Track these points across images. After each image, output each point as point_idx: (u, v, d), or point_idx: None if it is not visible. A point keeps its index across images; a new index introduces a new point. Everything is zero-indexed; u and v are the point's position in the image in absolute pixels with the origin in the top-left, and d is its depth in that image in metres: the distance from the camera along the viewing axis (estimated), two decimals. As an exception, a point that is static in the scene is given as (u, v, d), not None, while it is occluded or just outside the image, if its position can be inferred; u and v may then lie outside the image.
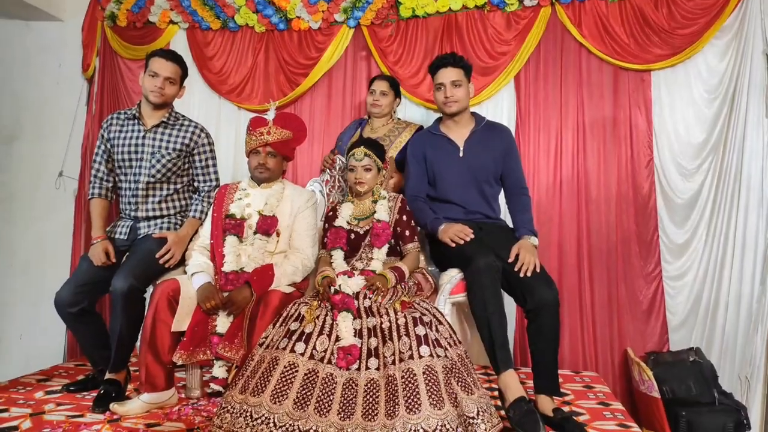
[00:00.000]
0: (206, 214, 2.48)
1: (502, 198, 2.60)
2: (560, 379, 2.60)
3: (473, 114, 2.59)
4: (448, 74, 2.43)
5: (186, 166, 2.53)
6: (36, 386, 2.45)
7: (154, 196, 2.47)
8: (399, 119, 3.01)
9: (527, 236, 2.28)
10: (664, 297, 3.06)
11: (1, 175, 3.73)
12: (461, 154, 2.48)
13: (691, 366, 2.75)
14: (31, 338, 3.63)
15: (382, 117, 2.90)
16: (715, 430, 2.56)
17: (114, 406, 2.09)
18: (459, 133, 2.51)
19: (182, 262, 2.39)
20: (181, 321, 2.14)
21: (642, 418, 2.81)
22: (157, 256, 2.31)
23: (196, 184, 2.57)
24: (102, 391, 2.20)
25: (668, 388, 2.69)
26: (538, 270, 2.14)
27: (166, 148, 2.45)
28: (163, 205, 2.49)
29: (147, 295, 2.31)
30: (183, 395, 2.28)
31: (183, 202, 2.55)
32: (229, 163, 3.56)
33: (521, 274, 2.12)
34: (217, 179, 2.59)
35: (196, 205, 2.51)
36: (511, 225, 2.47)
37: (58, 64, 3.72)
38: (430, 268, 2.53)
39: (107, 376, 2.29)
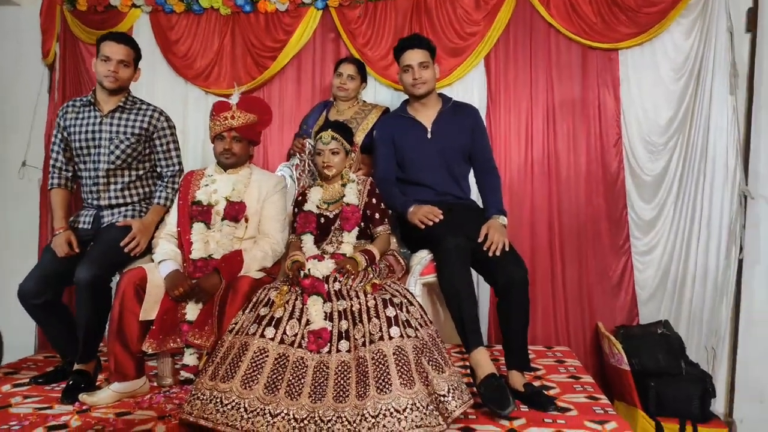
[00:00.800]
0: (171, 200, 2.44)
1: (472, 178, 2.61)
2: (532, 355, 2.67)
3: (440, 95, 2.59)
4: (415, 56, 2.41)
5: (147, 151, 2.47)
6: (3, 379, 2.41)
7: (115, 183, 2.41)
8: (364, 102, 2.98)
9: (496, 216, 2.30)
10: (633, 272, 3.13)
11: (-34, 165, 3.61)
12: (429, 136, 2.47)
13: (659, 338, 2.82)
14: (6, 331, 3.54)
15: (348, 101, 2.88)
16: (683, 398, 2.64)
17: (83, 397, 2.06)
18: (426, 115, 2.50)
19: (148, 251, 2.35)
20: (149, 310, 2.11)
21: (613, 390, 2.89)
22: (121, 244, 2.26)
23: (158, 169, 2.52)
24: (71, 382, 2.17)
25: (637, 360, 2.75)
26: (507, 249, 2.16)
27: (124, 134, 2.39)
28: (126, 193, 2.43)
29: (113, 285, 2.27)
30: (155, 383, 2.26)
31: (147, 189, 2.50)
32: (198, 150, 3.50)
33: (490, 254, 2.13)
34: (179, 163, 2.54)
35: (160, 191, 2.46)
36: (481, 205, 2.49)
37: (17, 48, 3.58)
38: (402, 250, 2.53)
39: (76, 366, 2.25)
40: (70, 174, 2.47)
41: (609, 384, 2.94)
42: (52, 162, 2.45)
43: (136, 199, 2.46)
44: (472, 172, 2.58)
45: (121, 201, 2.42)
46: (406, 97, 3.16)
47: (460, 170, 2.50)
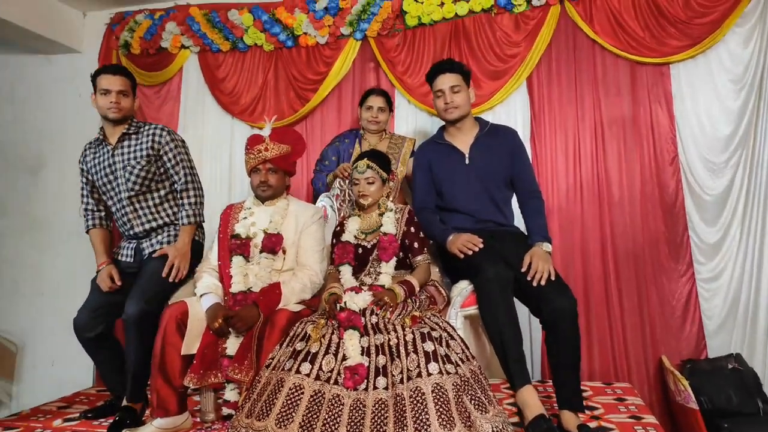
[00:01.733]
0: (194, 215, 2.47)
1: (515, 202, 2.51)
2: (588, 392, 2.50)
3: (477, 119, 2.52)
4: (447, 80, 2.37)
5: (162, 170, 2.49)
6: (56, 414, 2.47)
7: (141, 208, 2.46)
8: (392, 134, 2.97)
9: (540, 243, 2.18)
10: (698, 300, 2.91)
11: (28, 204, 3.85)
12: (467, 162, 2.41)
13: (730, 374, 2.59)
14: (63, 364, 3.69)
15: (378, 133, 2.86)
16: (761, 441, 2.39)
17: (126, 433, 2.08)
18: (463, 140, 2.44)
19: (191, 274, 2.39)
20: (191, 344, 2.11)
21: (681, 430, 2.65)
22: (163, 275, 2.31)
23: (175, 186, 2.52)
24: (117, 418, 2.19)
25: (707, 398, 2.53)
26: (552, 278, 2.04)
27: (135, 158, 2.44)
28: (156, 215, 2.47)
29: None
30: (198, 419, 2.25)
31: (176, 208, 2.53)
32: (245, 184, 3.57)
33: (534, 283, 2.02)
34: (189, 176, 2.50)
35: (181, 211, 2.49)
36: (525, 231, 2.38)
37: (78, 94, 3.81)
38: (445, 281, 2.45)
39: (124, 403, 2.29)
40: (103, 213, 2.55)
41: (676, 424, 2.70)
42: (83, 206, 2.55)
43: (167, 220, 2.50)
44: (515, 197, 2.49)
45: (153, 225, 2.47)
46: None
47: (501, 195, 2.41)
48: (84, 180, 2.54)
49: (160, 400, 2.09)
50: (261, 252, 2.26)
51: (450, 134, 2.49)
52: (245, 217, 2.34)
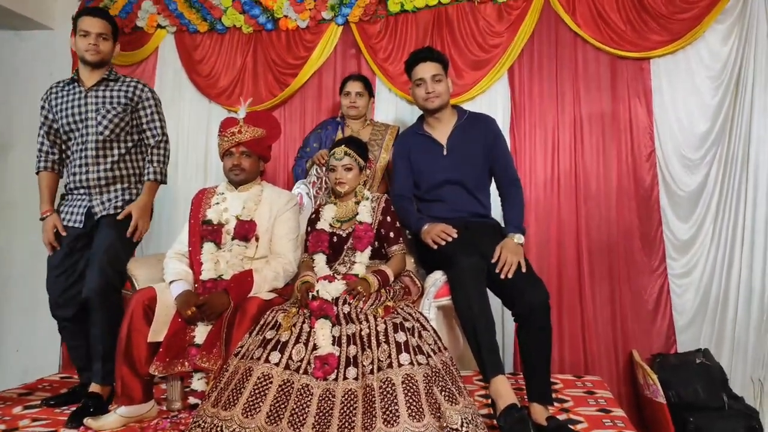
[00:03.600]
0: (160, 173, 2.46)
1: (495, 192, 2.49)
2: (559, 384, 2.53)
3: (455, 107, 2.50)
4: (428, 69, 2.34)
5: (134, 122, 2.45)
6: (16, 401, 2.40)
7: (105, 156, 2.38)
8: (375, 121, 2.94)
9: (512, 234, 2.17)
10: (670, 295, 2.93)
11: (-5, 186, 3.73)
12: (445, 152, 2.39)
13: (698, 368, 2.62)
14: (28, 350, 3.61)
15: (359, 118, 2.83)
16: (726, 436, 2.42)
17: (88, 421, 2.02)
18: (441, 131, 2.43)
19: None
20: (158, 331, 2.06)
21: (648, 424, 2.69)
22: (128, 234, 2.30)
23: (145, 141, 2.48)
24: (80, 405, 2.14)
25: (674, 392, 2.56)
26: (523, 270, 2.03)
27: (111, 103, 2.38)
28: (116, 167, 2.40)
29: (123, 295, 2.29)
30: (164, 407, 2.21)
31: (136, 164, 2.48)
32: (220, 169, 3.50)
33: (501, 276, 2.01)
34: (163, 134, 2.49)
35: (148, 166, 2.45)
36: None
37: (50, 72, 3.68)
38: (420, 272, 2.43)
39: (91, 388, 2.23)
40: (56, 157, 2.46)
41: (644, 418, 2.73)
42: (38, 146, 2.45)
43: (125, 173, 2.43)
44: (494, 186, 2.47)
45: (110, 175, 2.38)
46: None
47: (478, 186, 2.40)
48: (43, 119, 2.44)
49: (125, 388, 2.05)
50: (233, 239, 2.21)
51: (429, 125, 2.47)
52: (217, 203, 2.29)
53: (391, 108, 3.30)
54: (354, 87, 2.80)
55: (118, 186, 2.40)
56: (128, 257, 2.34)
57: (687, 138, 2.93)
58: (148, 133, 2.46)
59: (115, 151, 2.40)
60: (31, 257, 3.63)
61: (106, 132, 2.36)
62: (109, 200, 2.38)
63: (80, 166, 2.37)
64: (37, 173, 2.46)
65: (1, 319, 3.65)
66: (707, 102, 2.90)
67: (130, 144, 2.44)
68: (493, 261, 2.05)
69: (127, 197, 2.40)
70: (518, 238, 2.16)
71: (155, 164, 2.45)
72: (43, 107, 2.44)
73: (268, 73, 3.43)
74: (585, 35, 3.00)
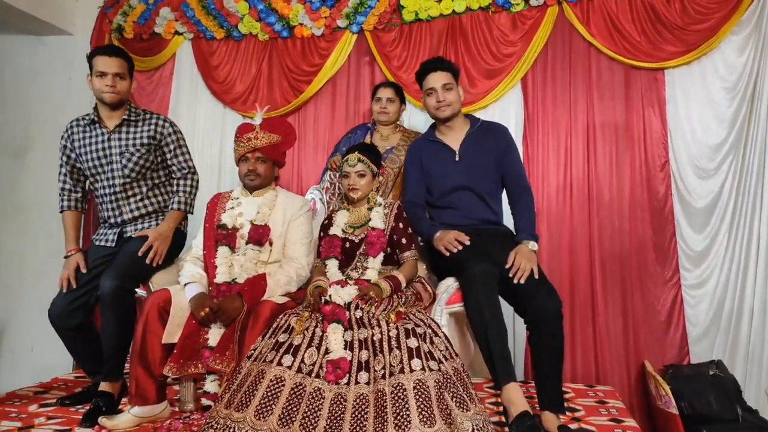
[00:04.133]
0: (186, 203, 2.47)
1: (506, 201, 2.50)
2: (570, 394, 2.51)
3: (467, 116, 2.52)
4: (438, 78, 2.36)
5: (159, 159, 2.49)
6: (32, 399, 2.44)
7: (134, 195, 2.43)
8: (406, 128, 2.96)
9: (526, 241, 2.17)
10: (683, 306, 2.91)
11: (12, 188, 3.79)
12: (457, 158, 2.40)
13: (711, 380, 2.60)
14: (43, 350, 3.65)
15: (390, 125, 2.86)
16: (740, 448, 2.40)
17: (102, 420, 2.04)
18: (454, 138, 2.44)
19: (170, 261, 2.38)
20: (172, 333, 2.09)
21: (661, 435, 2.66)
22: (139, 254, 2.27)
23: (173, 176, 2.53)
24: (92, 405, 2.16)
25: (687, 403, 2.54)
26: (536, 276, 2.03)
27: (134, 145, 2.41)
28: (146, 202, 2.45)
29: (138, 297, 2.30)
30: (177, 408, 2.23)
31: (165, 197, 2.52)
32: (235, 173, 3.54)
33: (515, 281, 2.01)
34: (188, 165, 2.53)
35: (174, 197, 2.48)
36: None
37: (68, 77, 3.76)
38: (432, 278, 2.43)
39: (101, 387, 2.25)
40: (79, 195, 2.50)
41: (656, 429, 2.70)
42: (60, 185, 2.48)
43: (156, 207, 2.48)
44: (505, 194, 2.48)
45: (143, 212, 2.44)
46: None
47: (490, 193, 2.40)
48: (65, 158, 2.47)
49: (139, 388, 2.07)
50: (247, 243, 2.24)
51: (441, 132, 2.48)
52: (232, 207, 2.31)
53: (404, 115, 3.32)
54: (385, 93, 2.84)
55: (152, 219, 2.46)
56: (148, 270, 2.32)
57: (701, 149, 2.92)
58: (174, 168, 2.51)
59: (143, 188, 2.45)
60: (45, 259, 3.69)
61: (132, 174, 2.41)
62: (142, 227, 2.43)
63: (111, 209, 2.43)
64: (61, 212, 2.50)
65: (15, 319, 3.71)
66: (722, 112, 2.90)
67: (157, 180, 2.49)
68: (507, 266, 2.05)
69: (155, 225, 2.45)
70: (532, 245, 2.16)
71: (180, 194, 2.49)
72: (65, 146, 2.46)
73: (283, 80, 3.48)
74: (599, 45, 3.01)
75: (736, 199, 2.86)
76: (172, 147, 2.49)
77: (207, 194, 2.75)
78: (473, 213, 2.36)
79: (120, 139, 2.41)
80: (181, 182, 2.50)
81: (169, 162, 2.50)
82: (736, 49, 2.87)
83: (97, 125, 2.43)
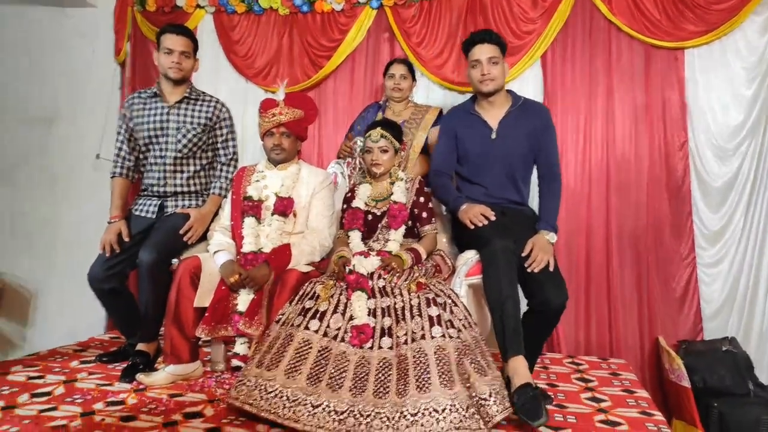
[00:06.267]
0: (226, 189, 2.55)
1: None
2: (584, 366, 2.63)
3: (509, 92, 2.45)
4: (485, 50, 2.30)
5: (210, 141, 2.59)
6: (72, 356, 2.57)
7: (182, 171, 2.53)
8: (416, 103, 2.98)
9: (545, 232, 2.18)
10: (698, 284, 2.96)
11: (42, 157, 3.88)
12: (493, 136, 2.35)
13: (724, 355, 2.65)
14: (74, 314, 3.77)
15: (402, 101, 2.89)
16: (749, 422, 2.46)
17: (140, 377, 2.17)
18: (493, 114, 2.38)
19: (203, 239, 2.46)
20: (203, 297, 2.19)
21: (672, 408, 2.74)
22: (181, 232, 2.39)
23: (216, 158, 2.63)
24: (130, 363, 2.29)
25: (699, 377, 2.60)
26: (551, 268, 2.05)
27: (191, 123, 2.51)
28: (192, 181, 2.56)
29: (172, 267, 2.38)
30: (208, 368, 2.35)
31: (208, 180, 2.63)
32: (257, 145, 3.60)
33: (529, 270, 2.04)
34: (234, 153, 2.65)
35: (215, 182, 2.58)
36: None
37: (92, 49, 3.82)
38: (452, 250, 2.49)
39: (138, 347, 2.38)
40: (131, 164, 2.59)
41: (668, 402, 2.78)
42: (116, 152, 2.58)
43: (199, 188, 2.58)
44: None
45: (185, 189, 2.54)
46: (458, 96, 3.12)
47: (521, 174, 2.39)
48: (124, 127, 2.55)
49: (174, 348, 2.18)
50: (273, 214, 2.32)
51: (481, 106, 2.42)
52: (257, 180, 2.39)
53: (423, 92, 3.35)
54: (398, 69, 2.86)
55: (192, 198, 2.56)
56: (183, 245, 2.42)
57: (720, 129, 2.93)
58: (221, 152, 2.62)
59: (191, 167, 2.55)
60: (75, 227, 3.81)
61: (185, 150, 2.51)
62: (183, 205, 2.53)
63: (158, 178, 2.52)
64: (112, 177, 2.58)
65: (49, 284, 3.84)
66: (742, 93, 2.90)
67: (204, 161, 2.59)
68: (524, 255, 2.08)
69: (196, 205, 2.55)
70: (551, 236, 2.17)
71: (222, 180, 2.58)
72: (124, 115, 2.56)
73: (304, 55, 3.51)
74: (620, 23, 3.01)
75: (753, 180, 2.88)
76: (224, 131, 2.60)
77: (232, 167, 2.81)
78: (501, 193, 2.35)
79: (178, 115, 2.50)
80: (224, 168, 2.61)
81: (218, 146, 2.61)
82: (758, 29, 2.86)
83: (158, 99, 2.52)
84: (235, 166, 2.63)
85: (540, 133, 2.35)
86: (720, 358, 2.65)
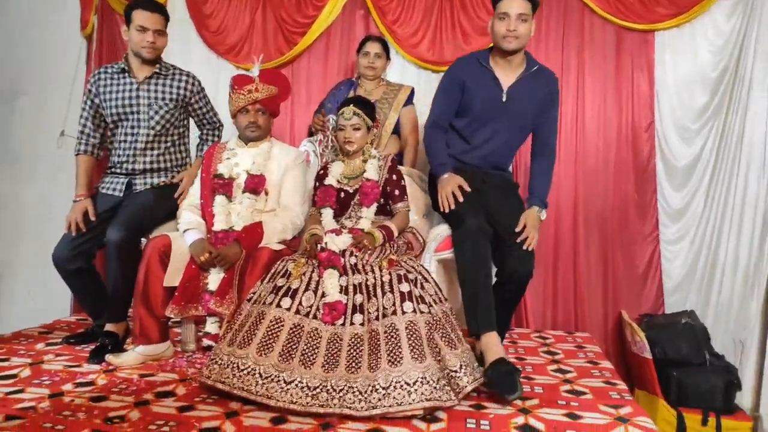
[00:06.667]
0: None
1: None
2: (551, 339, 2.69)
3: (527, 54, 2.31)
4: (516, 5, 2.14)
5: (182, 116, 2.55)
6: (37, 338, 2.52)
7: (152, 149, 2.48)
8: (389, 81, 2.97)
9: (538, 209, 2.19)
10: (660, 261, 3.07)
11: (4, 133, 3.76)
12: (504, 99, 2.25)
13: (683, 328, 2.76)
14: (39, 296, 3.71)
15: (375, 79, 2.87)
16: (706, 389, 2.60)
17: (109, 357, 2.15)
18: (507, 76, 2.26)
19: (172, 217, 2.43)
20: (173, 276, 2.18)
21: (634, 378, 2.86)
22: (175, 195, 2.44)
23: (204, 130, 2.67)
24: (99, 343, 2.26)
25: (660, 349, 2.71)
26: (534, 243, 2.10)
27: (163, 99, 2.46)
28: (161, 158, 2.52)
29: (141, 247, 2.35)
30: (179, 348, 2.34)
31: (179, 155, 2.59)
32: (228, 123, 3.54)
33: (523, 247, 2.07)
34: (218, 119, 2.70)
35: (203, 146, 2.62)
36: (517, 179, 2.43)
37: (58, 23, 3.69)
38: (432, 213, 2.50)
39: (106, 327, 2.35)
40: (97, 141, 2.53)
41: (630, 373, 2.90)
42: (80, 128, 2.51)
43: (169, 165, 2.55)
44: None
45: (155, 166, 2.50)
46: (432, 75, 3.10)
47: (517, 143, 2.38)
48: (89, 103, 2.48)
49: (143, 329, 2.17)
50: (244, 192, 2.30)
51: (496, 62, 2.28)
52: (228, 158, 2.36)
53: (397, 71, 3.33)
54: (373, 48, 2.84)
55: (162, 174, 2.52)
56: (153, 223, 2.40)
57: (686, 110, 3.01)
58: (205, 121, 2.66)
59: (162, 144, 2.51)
60: (39, 207, 3.72)
61: (158, 127, 2.45)
62: (150, 182, 2.50)
63: (128, 155, 2.46)
64: (77, 155, 2.51)
65: (12, 265, 3.75)
66: (708, 75, 2.97)
67: (176, 137, 2.56)
68: (517, 230, 2.09)
69: (164, 180, 2.52)
70: (543, 214, 2.20)
71: (210, 143, 2.63)
72: (89, 91, 2.47)
73: (278, 32, 3.45)
74: (592, 5, 3.04)
75: (715, 161, 2.98)
76: (202, 103, 2.60)
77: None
78: (492, 157, 2.33)
79: (149, 91, 2.44)
80: (211, 133, 2.66)
81: (202, 119, 2.63)
82: (725, 13, 2.92)
83: (126, 74, 2.45)
84: (221, 130, 2.67)
85: (547, 105, 2.30)
86: (680, 330, 2.76)
